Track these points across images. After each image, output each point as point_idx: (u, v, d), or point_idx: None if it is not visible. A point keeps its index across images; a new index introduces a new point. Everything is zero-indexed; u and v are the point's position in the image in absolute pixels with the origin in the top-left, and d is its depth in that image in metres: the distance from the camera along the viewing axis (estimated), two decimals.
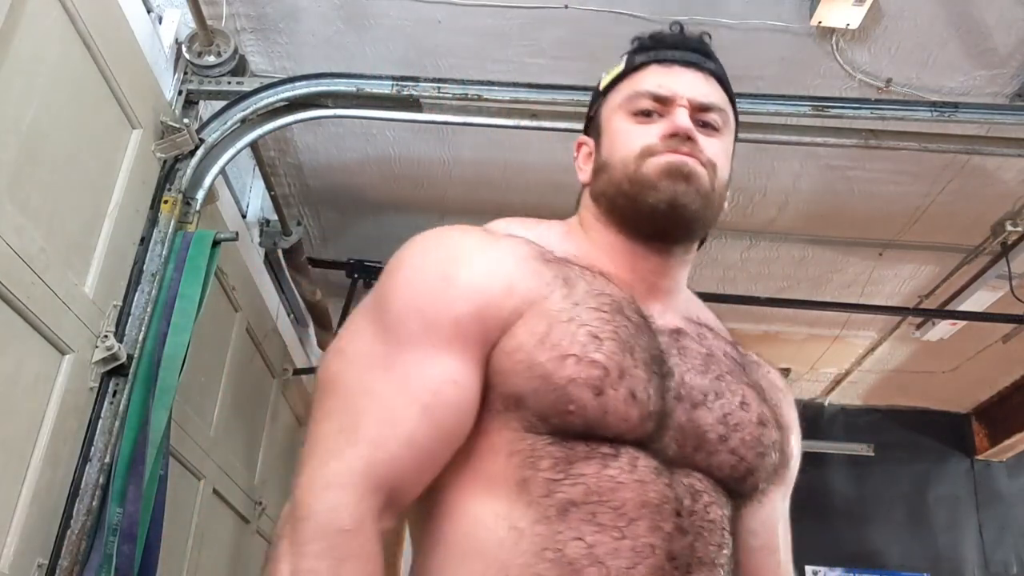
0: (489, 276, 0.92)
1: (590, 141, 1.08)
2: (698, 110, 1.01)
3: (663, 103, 1.01)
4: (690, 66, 1.05)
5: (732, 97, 1.10)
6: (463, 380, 0.87)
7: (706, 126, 1.02)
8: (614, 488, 0.85)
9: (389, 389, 0.86)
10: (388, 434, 0.84)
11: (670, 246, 1.02)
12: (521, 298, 0.91)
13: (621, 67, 1.07)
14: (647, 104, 1.01)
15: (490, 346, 0.89)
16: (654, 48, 1.07)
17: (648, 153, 0.98)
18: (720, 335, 1.06)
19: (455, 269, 0.92)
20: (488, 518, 0.86)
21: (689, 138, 0.98)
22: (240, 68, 2.32)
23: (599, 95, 1.10)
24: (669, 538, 0.85)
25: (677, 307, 1.04)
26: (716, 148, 1.01)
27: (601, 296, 0.93)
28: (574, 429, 0.86)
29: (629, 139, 1.00)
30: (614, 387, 0.87)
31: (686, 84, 1.02)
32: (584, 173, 1.08)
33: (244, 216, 2.89)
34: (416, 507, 0.90)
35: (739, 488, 0.96)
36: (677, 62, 1.05)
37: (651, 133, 0.99)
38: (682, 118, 0.99)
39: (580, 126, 2.39)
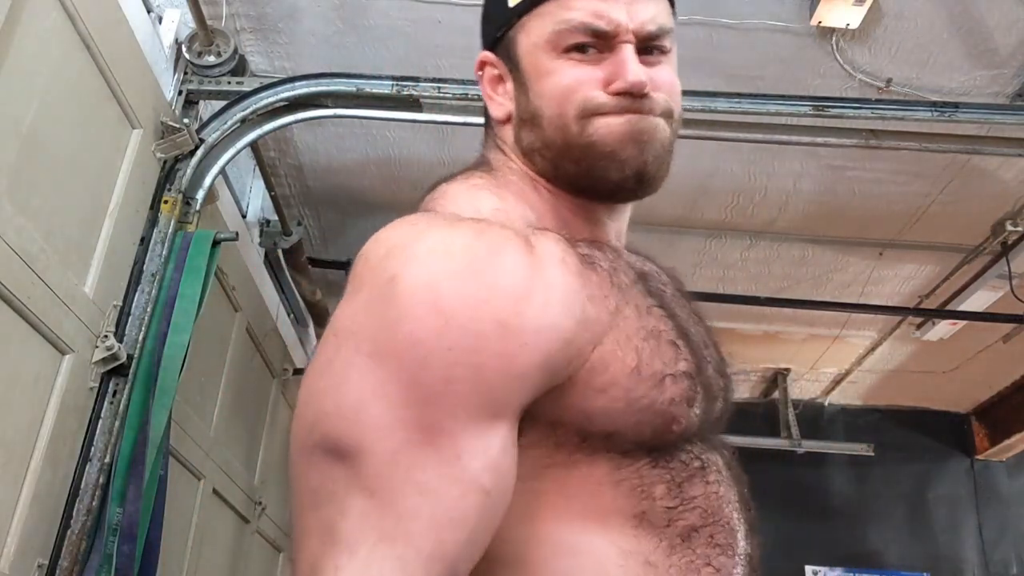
0: (557, 310, 0.72)
1: (499, 64, 0.89)
2: (645, 39, 0.83)
3: (602, 37, 0.82)
4: None
5: None
6: (512, 443, 0.71)
7: (652, 51, 0.84)
8: (720, 506, 0.81)
9: (439, 476, 0.66)
10: (448, 539, 0.65)
11: (628, 203, 0.90)
12: (596, 323, 0.74)
13: None
14: (582, 38, 0.82)
15: (556, 384, 0.73)
16: None
17: (594, 111, 0.81)
18: (648, 257, 0.94)
19: (512, 310, 0.70)
20: (614, 555, 0.75)
21: (643, 95, 0.81)
22: (240, 68, 2.32)
23: (506, 13, 0.88)
24: (748, 538, 0.82)
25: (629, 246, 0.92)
26: (666, 76, 0.85)
27: (637, 283, 0.81)
28: (670, 443, 0.78)
29: (564, 86, 0.82)
30: (697, 390, 0.79)
31: (626, 7, 0.83)
32: (498, 107, 0.89)
33: (244, 216, 2.89)
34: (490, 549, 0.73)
35: (723, 427, 0.89)
36: None
37: (593, 80, 0.82)
38: (634, 67, 0.81)
39: None
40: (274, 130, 2.34)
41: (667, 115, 0.83)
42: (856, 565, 4.64)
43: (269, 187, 2.89)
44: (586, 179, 0.83)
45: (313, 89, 2.28)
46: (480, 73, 0.91)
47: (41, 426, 1.64)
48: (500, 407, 0.69)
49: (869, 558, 4.66)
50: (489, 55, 0.90)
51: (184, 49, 2.25)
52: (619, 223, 0.91)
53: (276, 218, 3.00)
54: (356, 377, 0.68)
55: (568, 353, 0.72)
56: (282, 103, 2.27)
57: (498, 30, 0.89)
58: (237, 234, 2.19)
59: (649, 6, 0.84)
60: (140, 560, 1.76)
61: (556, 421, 0.74)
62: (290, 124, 2.35)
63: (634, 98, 0.81)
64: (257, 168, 2.90)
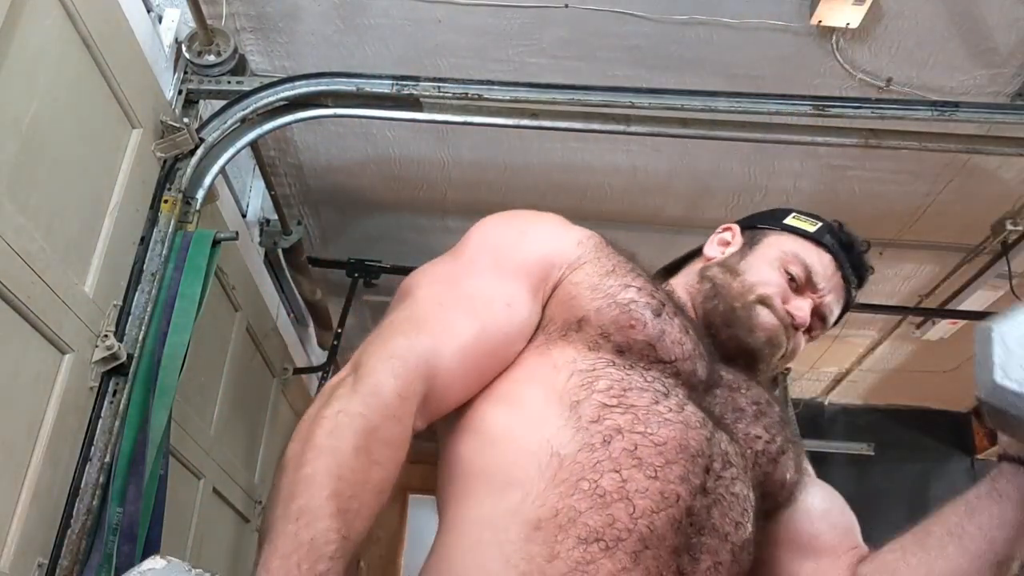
0: (561, 231, 1.07)
1: (739, 236, 1.22)
2: (817, 315, 1.16)
3: (808, 284, 1.15)
4: (847, 281, 1.19)
5: (849, 305, 1.23)
6: (517, 304, 0.97)
7: (822, 322, 1.18)
8: (660, 423, 0.89)
9: (455, 303, 0.95)
10: (447, 339, 0.91)
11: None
12: (588, 249, 1.05)
13: (813, 229, 1.21)
14: (800, 272, 1.14)
15: (552, 286, 1.02)
16: (841, 248, 1.20)
17: (764, 302, 1.12)
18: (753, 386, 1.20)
19: (531, 226, 1.07)
20: (533, 444, 0.89)
21: (799, 329, 1.13)
22: (240, 67, 2.31)
23: (780, 219, 1.23)
24: (693, 493, 0.87)
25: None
26: (805, 343, 1.18)
27: (674, 315, 1.04)
28: (636, 347, 0.95)
29: (768, 278, 1.14)
30: (670, 316, 1.00)
31: (833, 290, 1.17)
32: (714, 250, 1.22)
33: (244, 216, 2.89)
34: (459, 439, 0.95)
35: (769, 471, 1.03)
36: (842, 272, 1.18)
37: (783, 293, 1.13)
38: (808, 312, 1.13)
39: (580, 125, 2.42)
40: (274, 129, 2.33)
41: (794, 347, 1.15)
42: None
43: (269, 187, 2.89)
44: (723, 325, 1.11)
45: (313, 88, 2.28)
46: (723, 232, 1.25)
47: (41, 426, 1.64)
48: (506, 272, 0.99)
49: None
50: (735, 226, 1.25)
51: (184, 48, 2.25)
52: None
53: (276, 218, 3.00)
54: (432, 262, 1.05)
55: (560, 259, 1.03)
56: (282, 102, 2.27)
57: (762, 224, 1.23)
58: (237, 234, 2.19)
59: (839, 303, 1.19)
60: (140, 559, 1.76)
61: (551, 317, 1.00)
62: (290, 124, 2.35)
63: (793, 327, 1.13)
64: (257, 168, 2.90)
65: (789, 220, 1.23)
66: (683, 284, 1.19)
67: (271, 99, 2.25)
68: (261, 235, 3.01)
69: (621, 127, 2.32)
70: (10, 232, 1.46)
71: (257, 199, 2.99)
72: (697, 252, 1.25)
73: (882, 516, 5.24)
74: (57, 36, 1.61)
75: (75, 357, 1.73)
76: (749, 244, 1.20)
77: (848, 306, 1.21)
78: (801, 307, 1.12)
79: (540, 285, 1.00)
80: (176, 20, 2.23)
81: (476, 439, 0.93)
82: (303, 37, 2.41)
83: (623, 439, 0.87)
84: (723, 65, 2.41)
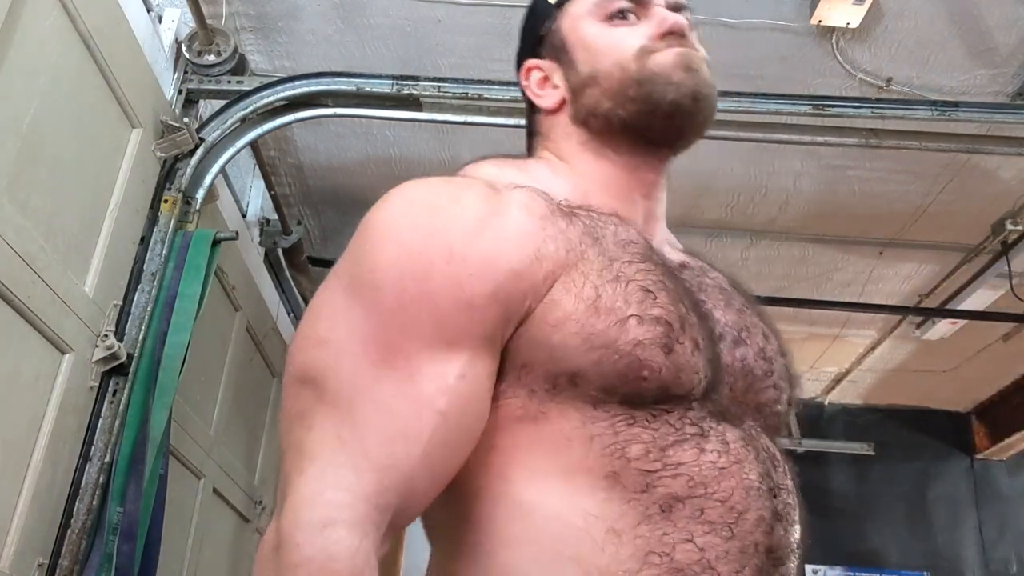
0: (509, 244, 0.76)
1: (546, 63, 0.96)
2: (672, 8, 0.94)
3: (638, 3, 0.92)
4: None
5: None
6: (473, 373, 0.73)
7: (679, 9, 0.95)
8: (718, 477, 0.74)
9: (395, 394, 0.71)
10: (400, 452, 0.69)
11: (674, 153, 0.93)
12: (553, 262, 0.77)
13: None
14: (622, 4, 0.92)
15: (515, 323, 0.75)
16: None
17: (646, 52, 0.89)
18: (706, 261, 0.97)
19: (462, 241, 0.75)
20: (577, 518, 0.72)
21: (683, 35, 0.91)
22: (240, 67, 2.32)
23: (548, 9, 0.97)
24: (770, 529, 0.75)
25: (667, 237, 0.95)
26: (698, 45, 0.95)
27: (630, 244, 0.83)
28: (647, 396, 0.75)
29: (616, 42, 0.91)
30: (680, 340, 0.76)
31: None
32: (548, 99, 0.96)
33: (244, 215, 2.89)
34: (458, 505, 0.77)
35: (778, 426, 0.88)
36: None
37: (638, 34, 0.91)
38: (671, 13, 0.91)
39: None
40: (274, 129, 2.34)
41: (707, 62, 0.92)
42: (856, 564, 4.64)
43: (269, 186, 2.89)
44: (645, 111, 0.88)
45: (313, 88, 2.28)
46: (526, 83, 0.98)
47: (41, 425, 1.64)
48: (455, 334, 0.73)
49: (869, 557, 4.66)
50: (532, 60, 0.98)
51: (184, 48, 2.25)
52: (651, 203, 0.93)
53: (276, 217, 3.00)
54: (328, 310, 0.76)
55: (520, 286, 0.75)
56: (282, 102, 2.27)
57: (541, 28, 0.97)
58: (237, 233, 2.19)
59: None
60: (140, 559, 1.76)
61: (524, 364, 0.76)
62: (290, 123, 2.35)
63: (678, 36, 0.90)
64: (257, 167, 2.90)
65: None
66: (585, 165, 0.92)
67: (271, 99, 2.25)
68: (261, 235, 3.01)
69: None
70: (10, 232, 1.46)
71: (257, 199, 3.00)
72: (533, 122, 1.00)
73: (882, 515, 5.24)
74: (57, 36, 1.61)
75: (75, 357, 1.73)
76: (559, 52, 0.96)
77: None
78: (660, 17, 0.91)
79: (496, 331, 0.75)
80: (176, 20, 2.23)
81: (495, 506, 0.75)
82: (303, 37, 2.41)
83: (685, 508, 0.73)
84: (723, 65, 2.40)
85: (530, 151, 0.99)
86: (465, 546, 0.75)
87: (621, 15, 0.92)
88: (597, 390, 0.74)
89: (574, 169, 0.92)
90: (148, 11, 2.11)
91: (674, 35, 0.90)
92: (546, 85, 0.96)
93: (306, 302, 3.44)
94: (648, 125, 0.89)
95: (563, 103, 0.95)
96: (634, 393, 0.74)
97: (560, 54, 0.95)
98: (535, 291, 0.75)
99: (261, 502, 3.07)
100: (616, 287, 0.76)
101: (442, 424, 0.71)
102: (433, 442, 0.71)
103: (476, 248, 0.75)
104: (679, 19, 0.91)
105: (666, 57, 0.89)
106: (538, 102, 0.97)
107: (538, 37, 0.98)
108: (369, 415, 0.70)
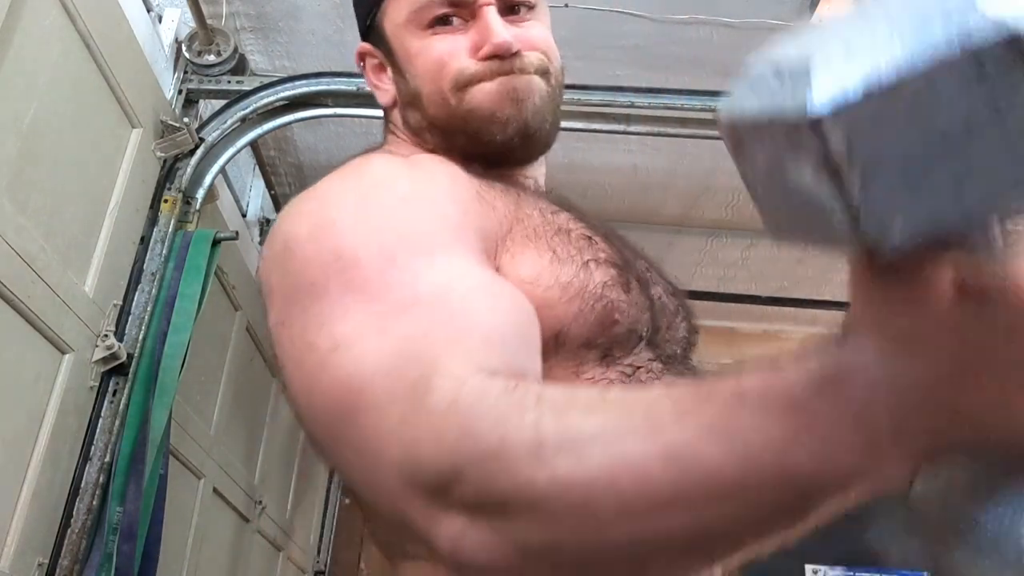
0: (445, 183, 0.72)
1: (377, 53, 0.88)
2: (505, 6, 0.83)
3: (462, 5, 0.81)
4: None
5: None
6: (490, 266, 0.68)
7: (518, 9, 0.84)
8: None
9: (444, 284, 0.60)
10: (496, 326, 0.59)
11: (530, 163, 0.87)
12: (500, 212, 0.72)
13: None
14: (441, 10, 0.81)
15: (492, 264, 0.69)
16: None
17: (467, 82, 0.80)
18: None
19: (409, 187, 0.70)
20: None
21: (509, 54, 0.80)
22: (240, 67, 2.32)
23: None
24: None
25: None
26: (536, 32, 0.84)
27: (541, 195, 0.81)
28: (620, 342, 0.71)
29: (434, 60, 0.81)
30: (630, 279, 0.74)
31: None
32: (384, 94, 0.88)
33: (244, 215, 2.89)
34: None
35: (691, 358, 0.84)
36: None
37: (459, 50, 0.80)
38: (497, 29, 0.79)
39: (581, 125, 2.36)
40: (274, 129, 2.34)
41: (542, 72, 0.82)
42: (856, 564, 4.64)
43: (269, 186, 2.89)
44: (474, 147, 0.81)
45: (313, 88, 2.28)
46: (362, 64, 0.90)
47: (41, 425, 1.64)
48: (450, 242, 0.65)
49: (869, 557, 4.66)
50: (366, 46, 0.89)
51: (184, 48, 2.25)
52: (537, 178, 0.89)
53: (276, 217, 3.00)
54: (313, 328, 0.61)
55: (486, 224, 0.70)
56: (282, 102, 2.27)
57: (366, 18, 0.88)
58: (237, 233, 2.19)
59: None
60: (140, 559, 1.76)
61: None
62: (290, 123, 2.35)
63: (503, 60, 0.80)
64: (257, 167, 2.90)
65: None
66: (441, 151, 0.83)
67: (271, 99, 2.25)
68: (261, 235, 3.01)
69: (621, 127, 2.32)
70: (10, 232, 1.46)
71: (257, 199, 3.00)
72: (384, 117, 0.93)
73: (882, 515, 5.20)
74: (57, 36, 1.61)
75: (75, 357, 1.73)
76: (386, 50, 0.86)
77: None
78: (484, 31, 0.79)
79: (486, 258, 0.69)
80: (176, 20, 2.23)
81: None
82: (303, 37, 2.41)
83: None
84: (723, 65, 2.40)
85: (384, 131, 0.92)
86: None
87: (443, 21, 0.82)
88: (580, 347, 0.70)
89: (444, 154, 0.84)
90: (148, 11, 2.11)
91: (500, 59, 0.80)
92: (381, 75, 0.88)
93: None
94: (483, 155, 0.81)
95: (396, 103, 0.88)
96: (610, 342, 0.71)
97: (388, 52, 0.87)
98: (496, 238, 0.70)
99: (261, 502, 3.07)
100: (562, 238, 0.73)
101: (515, 299, 0.64)
102: (518, 314, 0.62)
103: (422, 189, 0.70)
104: (503, 38, 0.79)
105: (487, 91, 0.80)
106: (375, 93, 0.90)
107: (366, 24, 0.88)
108: (427, 320, 0.58)
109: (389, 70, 0.87)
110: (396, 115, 0.88)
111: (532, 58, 0.82)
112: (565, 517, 0.45)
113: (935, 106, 0.32)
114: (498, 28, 0.80)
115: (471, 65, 0.80)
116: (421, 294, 0.58)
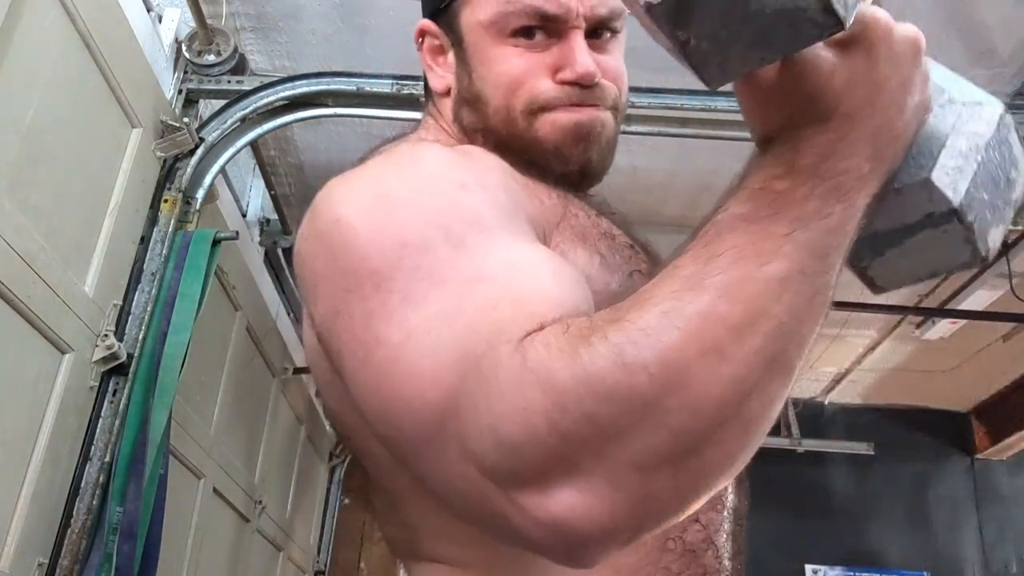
0: (506, 178, 0.70)
1: (441, 35, 0.84)
2: (596, 23, 0.79)
3: (551, 21, 0.77)
4: None
5: None
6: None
7: (602, 34, 0.81)
8: None
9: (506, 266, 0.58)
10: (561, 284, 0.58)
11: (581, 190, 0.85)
12: (547, 206, 0.71)
13: None
14: (529, 22, 0.77)
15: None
16: None
17: (540, 108, 0.77)
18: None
19: (466, 175, 0.67)
20: None
21: (592, 84, 0.77)
22: (240, 67, 2.32)
23: None
24: (727, 493, 0.74)
25: None
26: (615, 64, 0.82)
27: (582, 203, 0.79)
28: None
29: (511, 77, 0.78)
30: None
31: None
32: (440, 80, 0.85)
33: (244, 215, 2.89)
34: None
35: None
36: None
37: (540, 68, 0.78)
38: (583, 57, 0.77)
39: None
40: (274, 129, 2.34)
41: (614, 108, 0.81)
42: (856, 564, 4.65)
43: (269, 186, 2.89)
44: (530, 166, 0.78)
45: (313, 88, 2.28)
46: (420, 41, 0.86)
47: (41, 425, 1.64)
48: (497, 225, 0.63)
49: (869, 557, 4.66)
50: (430, 25, 0.85)
51: (184, 48, 2.25)
52: None
53: (276, 217, 3.00)
54: (376, 322, 0.58)
55: (528, 212, 0.68)
56: (282, 102, 2.27)
57: (441, 2, 0.84)
58: (237, 233, 2.20)
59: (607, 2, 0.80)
60: (140, 559, 1.76)
61: None
62: (290, 123, 2.35)
63: (582, 88, 0.78)
64: (257, 167, 2.90)
65: None
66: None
67: (271, 99, 2.25)
68: (261, 235, 3.02)
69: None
70: (10, 232, 1.47)
71: (257, 199, 3.00)
72: (427, 85, 0.89)
73: (882, 515, 5.22)
74: (57, 36, 1.61)
75: (75, 357, 1.73)
76: (457, 39, 0.82)
77: None
78: (569, 55, 0.77)
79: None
80: (176, 20, 2.23)
81: None
82: (303, 37, 2.41)
83: None
84: None
85: (426, 112, 0.89)
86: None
87: (526, 33, 0.78)
88: None
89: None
90: (148, 11, 2.11)
91: (580, 87, 0.77)
92: (439, 58, 0.85)
93: None
94: (534, 171, 0.78)
95: (449, 92, 0.84)
96: None
97: (456, 42, 0.83)
98: (542, 224, 0.68)
99: (261, 502, 3.07)
100: (608, 242, 0.73)
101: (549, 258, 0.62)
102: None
103: (478, 178, 0.67)
104: (587, 68, 0.77)
105: (558, 125, 0.77)
106: (428, 76, 0.86)
107: (438, 7, 0.84)
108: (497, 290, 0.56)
109: (451, 57, 0.83)
110: (446, 105, 0.85)
111: (609, 91, 0.80)
112: (675, 399, 0.47)
113: None
114: (584, 56, 0.77)
115: (548, 89, 0.78)
116: (487, 272, 0.57)
